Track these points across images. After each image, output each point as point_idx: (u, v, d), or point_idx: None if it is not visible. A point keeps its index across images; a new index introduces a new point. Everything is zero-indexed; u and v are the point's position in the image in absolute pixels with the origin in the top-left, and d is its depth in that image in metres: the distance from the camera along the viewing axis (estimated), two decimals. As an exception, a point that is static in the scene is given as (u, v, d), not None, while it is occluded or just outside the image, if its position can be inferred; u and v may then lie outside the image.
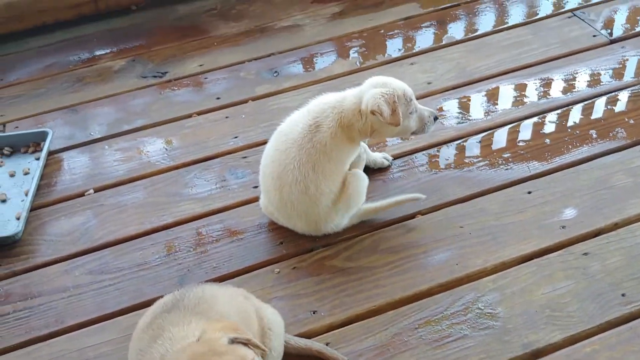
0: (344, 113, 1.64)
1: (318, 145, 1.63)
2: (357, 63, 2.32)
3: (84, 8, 2.59)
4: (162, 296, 1.32)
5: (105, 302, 1.63)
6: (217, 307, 1.26)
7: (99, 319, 1.60)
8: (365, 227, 1.74)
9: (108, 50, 2.49)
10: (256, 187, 1.86)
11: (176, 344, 1.13)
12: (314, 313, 1.55)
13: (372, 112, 1.59)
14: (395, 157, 1.93)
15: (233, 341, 1.09)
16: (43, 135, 2.07)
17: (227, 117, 2.14)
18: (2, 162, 2.05)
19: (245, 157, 1.98)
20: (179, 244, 1.75)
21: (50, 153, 2.05)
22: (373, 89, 1.62)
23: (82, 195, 1.92)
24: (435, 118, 1.73)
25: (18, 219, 1.84)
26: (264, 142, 1.85)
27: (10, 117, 2.22)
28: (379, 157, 1.90)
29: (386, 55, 2.34)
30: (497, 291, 1.55)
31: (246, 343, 1.09)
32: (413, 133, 1.73)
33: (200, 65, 2.38)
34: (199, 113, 2.17)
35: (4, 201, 1.91)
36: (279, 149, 1.67)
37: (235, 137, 2.05)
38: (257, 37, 2.49)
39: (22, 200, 1.90)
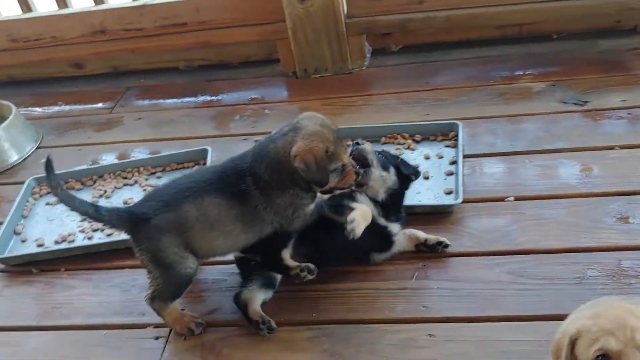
0: None
1: None
2: None
3: (509, 30, 2.75)
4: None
5: (524, 304, 1.70)
6: None
7: (517, 318, 1.67)
8: None
9: (528, 72, 2.60)
10: (690, 234, 1.76)
11: None
12: None
13: None
14: None
15: None
16: (452, 127, 2.29)
17: (656, 156, 2.07)
18: (415, 147, 2.30)
19: (681, 201, 1.89)
20: (600, 270, 1.74)
21: (472, 156, 2.21)
22: None
23: (502, 200, 2.03)
24: None
25: (447, 194, 2.05)
26: None
27: (434, 116, 2.45)
28: None
29: None
30: None
31: None
32: None
33: (623, 101, 2.34)
34: (622, 147, 2.13)
35: (427, 178, 2.14)
36: None
37: (668, 179, 1.98)
38: (691, 82, 2.36)
39: (445, 179, 2.12)
